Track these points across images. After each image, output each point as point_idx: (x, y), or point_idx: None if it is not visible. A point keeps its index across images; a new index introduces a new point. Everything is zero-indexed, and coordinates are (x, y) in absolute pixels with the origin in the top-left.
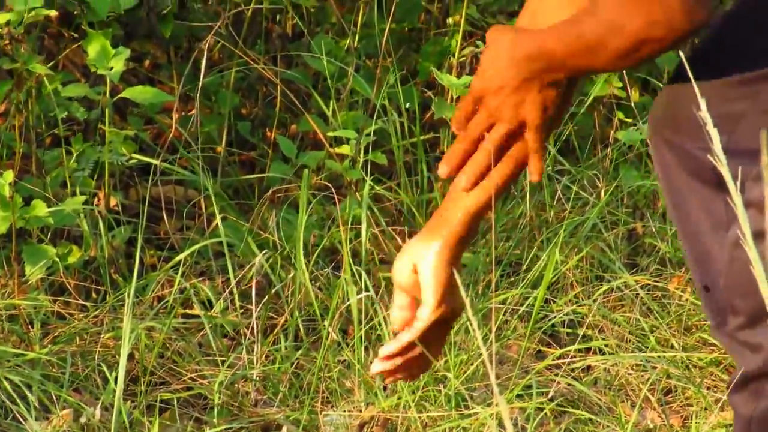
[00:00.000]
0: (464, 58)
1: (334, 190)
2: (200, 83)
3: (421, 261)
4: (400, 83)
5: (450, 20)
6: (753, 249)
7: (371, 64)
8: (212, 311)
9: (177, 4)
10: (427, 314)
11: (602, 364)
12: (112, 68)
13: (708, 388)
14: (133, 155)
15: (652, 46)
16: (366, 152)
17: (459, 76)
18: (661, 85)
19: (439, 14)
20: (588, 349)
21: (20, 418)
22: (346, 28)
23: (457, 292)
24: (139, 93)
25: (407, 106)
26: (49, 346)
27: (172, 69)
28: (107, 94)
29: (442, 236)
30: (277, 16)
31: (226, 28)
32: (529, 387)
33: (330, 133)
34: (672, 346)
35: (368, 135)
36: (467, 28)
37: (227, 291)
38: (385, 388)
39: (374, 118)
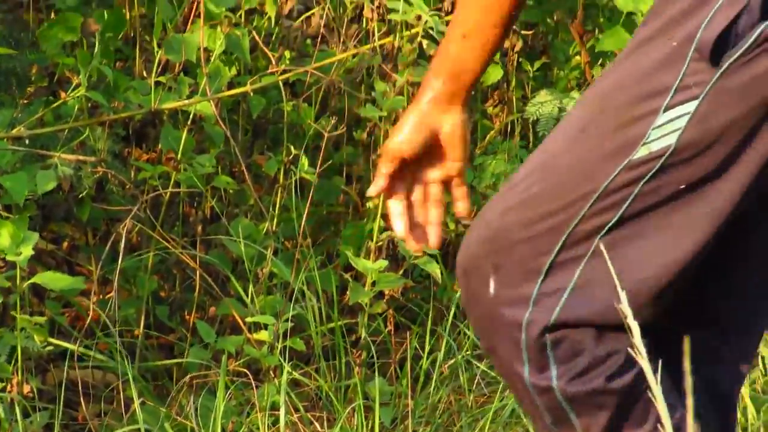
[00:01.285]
0: (382, 243)
1: (251, 376)
2: (118, 266)
3: (441, 130)
4: (319, 267)
5: (369, 204)
6: None
7: (290, 246)
8: None
9: (94, 187)
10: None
11: None
12: (20, 254)
13: None
14: (50, 340)
15: None
16: (285, 337)
17: (377, 259)
18: None
19: (357, 197)
20: None
21: None
22: (264, 211)
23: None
24: (51, 280)
25: (325, 289)
26: None
27: (91, 251)
28: (19, 279)
29: (461, 98)
30: (195, 199)
31: (144, 212)
32: None
33: (248, 319)
34: None
35: (286, 320)
36: (385, 211)
37: None
38: None
39: (293, 302)
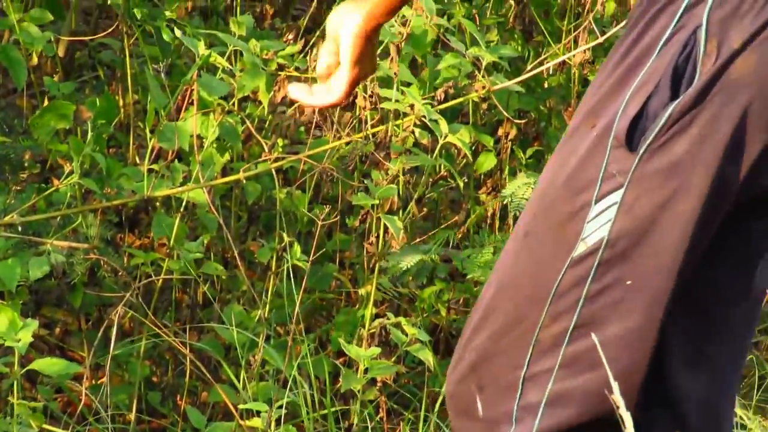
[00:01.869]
0: (374, 330)
1: None
2: (111, 352)
3: (342, 27)
4: (311, 353)
5: (362, 291)
6: None
7: (283, 332)
8: None
9: (87, 273)
10: (343, 74)
11: None
12: (20, 340)
13: None
14: (43, 426)
15: None
16: (277, 424)
17: (369, 347)
18: None
19: (349, 284)
20: None
21: None
22: (256, 298)
23: (372, 59)
24: (48, 365)
25: (318, 376)
26: None
27: (83, 337)
28: (16, 365)
29: (365, 10)
30: (187, 285)
31: (137, 298)
32: None
33: (241, 406)
34: None
35: (279, 407)
36: (378, 297)
37: None
38: None
39: (286, 388)
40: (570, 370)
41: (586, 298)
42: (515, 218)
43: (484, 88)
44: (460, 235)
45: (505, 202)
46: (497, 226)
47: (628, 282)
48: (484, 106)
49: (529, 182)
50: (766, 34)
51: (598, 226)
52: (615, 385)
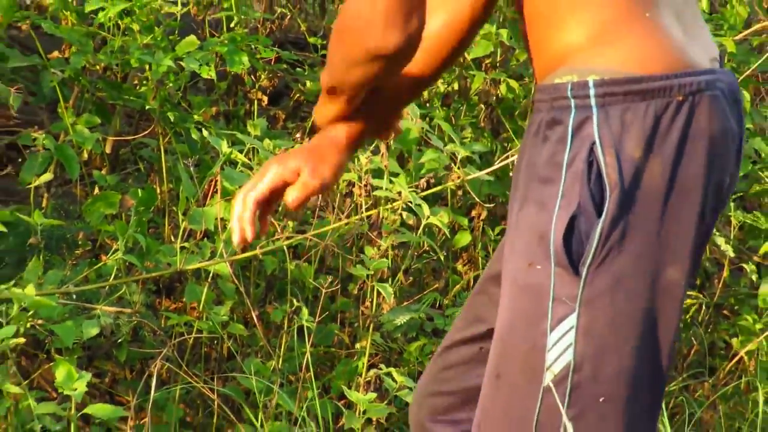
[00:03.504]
0: (370, 378)
1: None
2: (151, 397)
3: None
4: (317, 397)
5: (359, 345)
6: None
7: (294, 380)
8: None
9: (130, 333)
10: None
11: None
12: (76, 389)
13: None
14: None
15: (376, 63)
16: None
17: (366, 392)
18: None
19: (349, 339)
20: None
21: None
22: (271, 352)
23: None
24: (99, 409)
25: (323, 416)
26: None
27: (128, 385)
28: (73, 410)
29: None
30: (215, 342)
31: (172, 353)
32: None
33: None
34: None
35: None
36: (372, 351)
37: None
38: None
39: (296, 426)
40: None
41: (565, 424)
42: None
43: (459, 177)
44: (447, 300)
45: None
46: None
47: (602, 399)
48: (460, 192)
49: None
50: (657, 140)
51: (560, 353)
52: None
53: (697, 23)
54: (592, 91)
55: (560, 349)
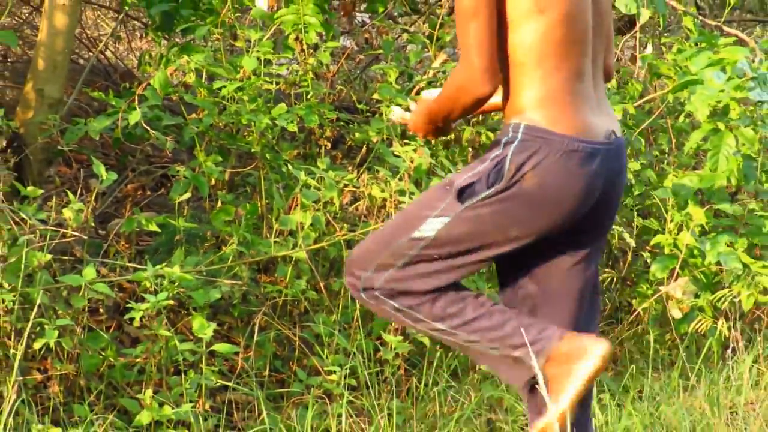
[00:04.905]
0: (397, 326)
1: None
2: (254, 339)
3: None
4: (363, 338)
5: None
6: None
7: (347, 327)
8: None
9: (241, 297)
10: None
11: None
12: (206, 334)
13: None
14: (217, 381)
15: (466, 99)
16: (345, 377)
17: (395, 335)
18: None
19: None
20: None
21: None
22: (333, 309)
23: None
24: (221, 347)
25: (367, 351)
26: None
27: (239, 331)
28: (204, 347)
29: None
30: (296, 303)
31: (268, 310)
32: None
33: (326, 368)
34: None
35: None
36: None
37: None
38: None
39: (349, 357)
40: (404, 273)
41: (413, 255)
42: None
43: None
44: None
45: None
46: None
47: (436, 256)
48: None
49: None
50: (543, 166)
51: (430, 228)
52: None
53: (602, 105)
54: (521, 129)
55: (431, 227)
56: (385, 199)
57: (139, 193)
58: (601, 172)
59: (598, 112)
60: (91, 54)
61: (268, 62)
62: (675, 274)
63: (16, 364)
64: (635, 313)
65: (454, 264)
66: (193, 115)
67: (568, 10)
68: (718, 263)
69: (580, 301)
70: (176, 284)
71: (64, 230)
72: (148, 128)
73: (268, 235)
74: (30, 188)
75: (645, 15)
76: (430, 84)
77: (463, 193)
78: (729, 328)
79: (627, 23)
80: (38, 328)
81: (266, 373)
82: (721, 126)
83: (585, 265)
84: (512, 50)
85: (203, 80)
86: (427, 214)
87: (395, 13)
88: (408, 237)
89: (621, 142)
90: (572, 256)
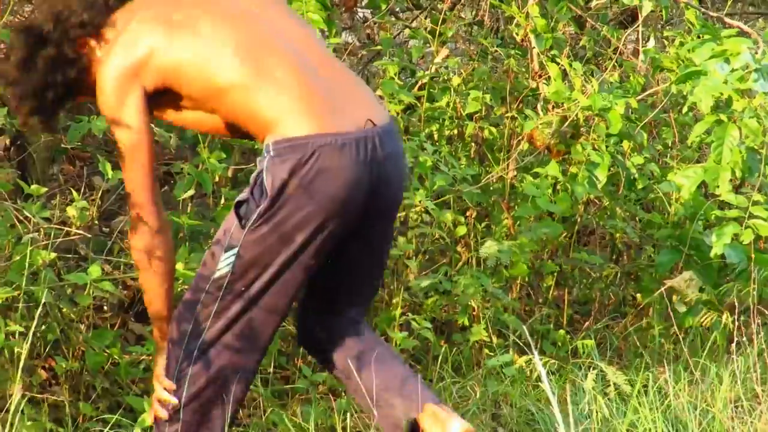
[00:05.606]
0: (402, 322)
1: None
2: None
3: None
4: None
5: (394, 300)
6: None
7: None
8: None
9: None
10: None
11: None
12: None
13: None
14: None
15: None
16: None
17: (399, 331)
18: None
19: (387, 297)
20: None
21: None
22: None
23: None
24: None
25: None
26: None
27: None
28: None
29: None
30: None
31: None
32: None
33: None
34: None
35: None
36: (403, 304)
37: None
38: None
39: None
40: (212, 333)
41: (222, 298)
42: (483, 261)
43: (458, 190)
44: (452, 271)
45: (479, 256)
46: (473, 266)
47: (242, 288)
48: (459, 200)
49: (494, 245)
50: (297, 170)
51: (225, 264)
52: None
53: (355, 95)
54: (270, 147)
55: (226, 262)
56: None
57: None
58: (362, 160)
59: (346, 103)
60: None
61: None
62: (679, 267)
63: (21, 363)
64: (639, 307)
65: (263, 286)
66: None
67: (237, 40)
68: (723, 256)
69: (370, 278)
70: (180, 281)
71: (69, 228)
72: (151, 125)
73: None
74: (34, 186)
75: (647, 7)
76: (432, 79)
77: (241, 217)
78: (733, 322)
79: (629, 16)
80: (43, 327)
81: (271, 369)
82: (725, 118)
83: (377, 246)
84: (224, 101)
85: None
86: (219, 249)
87: (397, 9)
88: (207, 281)
89: (385, 127)
90: (366, 241)
